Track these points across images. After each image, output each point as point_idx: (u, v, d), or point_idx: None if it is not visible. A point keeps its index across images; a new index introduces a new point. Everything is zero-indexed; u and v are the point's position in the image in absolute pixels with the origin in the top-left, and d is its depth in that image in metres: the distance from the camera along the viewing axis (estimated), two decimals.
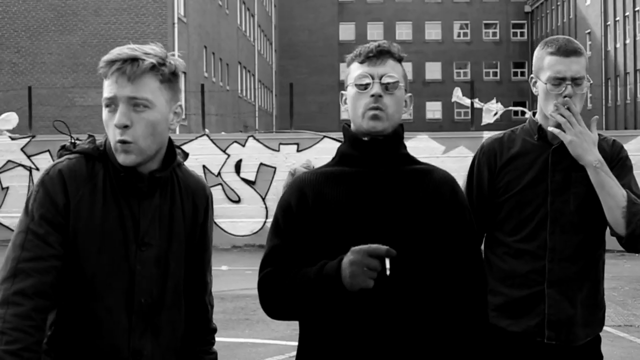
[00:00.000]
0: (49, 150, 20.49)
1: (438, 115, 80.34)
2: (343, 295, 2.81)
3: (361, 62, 3.03)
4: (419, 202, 2.96)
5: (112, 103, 2.76)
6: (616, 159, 3.74)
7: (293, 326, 10.63)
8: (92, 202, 2.78)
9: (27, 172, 20.93)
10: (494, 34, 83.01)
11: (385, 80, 2.99)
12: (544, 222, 3.69)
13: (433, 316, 2.97)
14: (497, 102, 19.33)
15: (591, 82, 3.81)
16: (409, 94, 3.13)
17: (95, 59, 36.26)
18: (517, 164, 3.77)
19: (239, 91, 52.56)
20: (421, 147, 19.57)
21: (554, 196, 3.69)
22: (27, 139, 21.14)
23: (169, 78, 2.82)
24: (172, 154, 2.93)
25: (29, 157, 20.93)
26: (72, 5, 35.35)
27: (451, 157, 19.74)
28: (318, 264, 2.87)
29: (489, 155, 3.86)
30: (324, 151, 19.68)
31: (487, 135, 19.79)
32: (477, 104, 19.12)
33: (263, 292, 2.99)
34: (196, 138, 20.46)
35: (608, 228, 3.69)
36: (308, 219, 2.96)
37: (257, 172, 20.42)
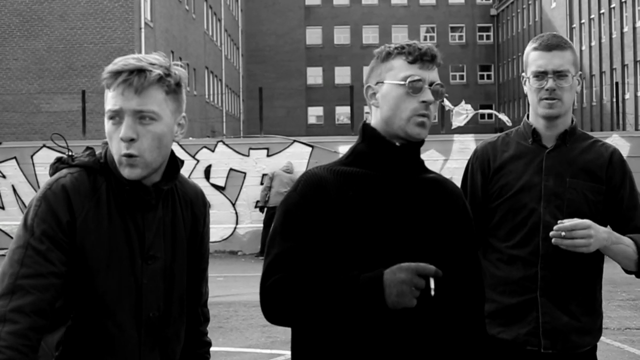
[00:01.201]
0: (15, 158, 20.23)
1: None
2: (382, 312, 2.67)
3: (411, 62, 2.84)
4: (440, 212, 2.90)
5: (117, 115, 2.68)
6: (620, 174, 3.68)
7: (267, 334, 10.55)
8: (98, 217, 2.70)
9: None
10: (460, 37, 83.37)
11: (435, 87, 2.85)
12: (537, 227, 3.62)
13: (446, 327, 2.89)
14: (466, 104, 19.33)
15: (581, 78, 3.75)
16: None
17: (61, 64, 36.35)
18: (511, 167, 3.71)
19: (206, 96, 52.36)
20: None
21: (547, 201, 3.62)
22: None
23: (174, 89, 2.75)
24: (175, 164, 2.86)
25: None
26: (37, 10, 34.99)
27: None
28: (348, 274, 2.69)
29: (482, 160, 3.79)
30: (294, 156, 19.60)
31: (458, 138, 19.87)
32: (447, 106, 19.09)
33: (273, 300, 2.75)
34: None
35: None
36: (329, 219, 2.76)
37: (227, 177, 20.30)
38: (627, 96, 48.73)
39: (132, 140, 2.66)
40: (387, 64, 2.89)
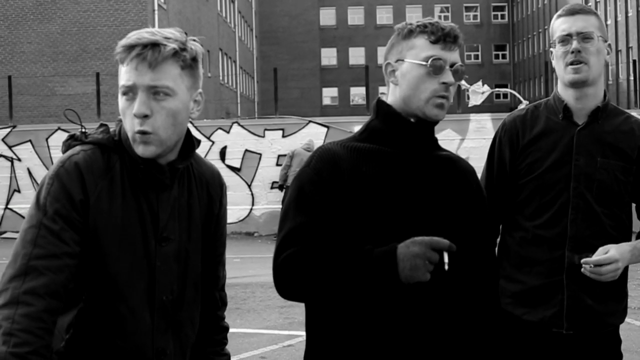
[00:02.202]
0: (30, 141, 20.24)
1: None
2: (395, 286, 2.65)
3: (434, 42, 2.79)
4: (453, 189, 2.88)
5: (131, 91, 2.58)
6: None
7: (285, 315, 10.54)
8: (111, 197, 2.60)
9: (9, 163, 20.61)
10: (475, 17, 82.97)
11: (457, 68, 2.81)
12: (566, 208, 3.53)
13: (459, 302, 2.88)
14: (483, 84, 19.20)
15: (609, 49, 3.64)
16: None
17: (74, 47, 36.31)
18: (541, 144, 3.60)
19: (221, 78, 52.28)
20: None
21: (577, 181, 3.52)
22: (8, 129, 20.81)
23: (190, 64, 2.65)
24: (190, 142, 2.76)
25: (10, 147, 20.61)
26: None
27: (438, 140, 19.56)
28: (361, 249, 2.68)
29: (511, 134, 3.68)
30: (309, 136, 19.51)
31: (474, 117, 19.74)
32: (464, 85, 18.96)
33: (287, 274, 2.73)
34: None
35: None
36: (342, 195, 2.74)
37: (243, 158, 20.24)
38: None
39: (145, 116, 2.56)
40: (409, 41, 2.84)
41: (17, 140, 20.55)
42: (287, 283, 2.75)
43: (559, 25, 3.57)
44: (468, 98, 19.32)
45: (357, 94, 77.23)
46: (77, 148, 2.65)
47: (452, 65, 2.79)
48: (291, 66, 73.49)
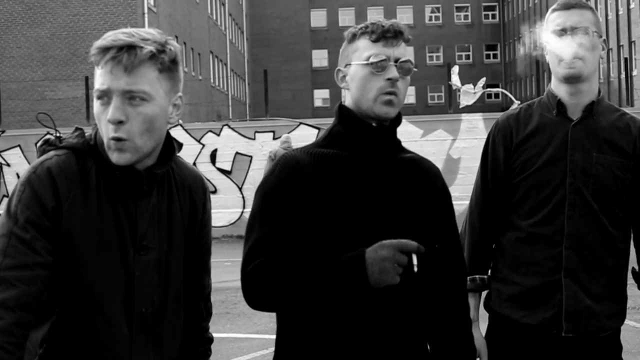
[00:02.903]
0: (19, 145, 20.13)
1: (412, 99, 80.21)
2: (365, 290, 2.64)
3: (375, 41, 2.80)
4: (417, 191, 2.88)
5: (105, 95, 2.46)
6: None
7: (275, 319, 10.36)
8: (86, 203, 2.49)
9: None
10: (466, 17, 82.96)
11: (401, 63, 2.81)
12: (562, 204, 3.42)
13: (421, 309, 2.90)
14: (475, 84, 19.12)
15: (604, 45, 3.53)
16: (415, 69, 2.95)
17: (64, 51, 36.20)
18: (535, 141, 3.49)
19: (212, 80, 52.21)
20: (399, 131, 19.15)
21: (573, 177, 3.41)
22: None
23: (169, 66, 2.52)
24: (170, 146, 2.65)
25: None
26: None
27: (429, 141, 19.58)
28: (328, 255, 2.67)
29: (505, 133, 3.57)
30: (300, 138, 19.43)
31: (465, 117, 19.68)
32: (455, 85, 18.89)
33: (255, 285, 2.71)
34: (170, 128, 19.97)
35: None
36: (306, 202, 2.73)
37: (233, 161, 20.17)
38: (634, 73, 48.44)
39: (120, 122, 2.44)
40: (353, 45, 2.87)
41: (6, 145, 20.46)
42: (256, 294, 2.73)
43: (553, 20, 3.48)
44: (459, 98, 19.26)
45: None
46: (51, 153, 2.53)
47: (396, 61, 2.80)
48: (282, 68, 73.40)
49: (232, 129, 20.45)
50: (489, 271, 3.67)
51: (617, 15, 54.53)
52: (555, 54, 3.45)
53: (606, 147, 3.44)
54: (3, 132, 20.79)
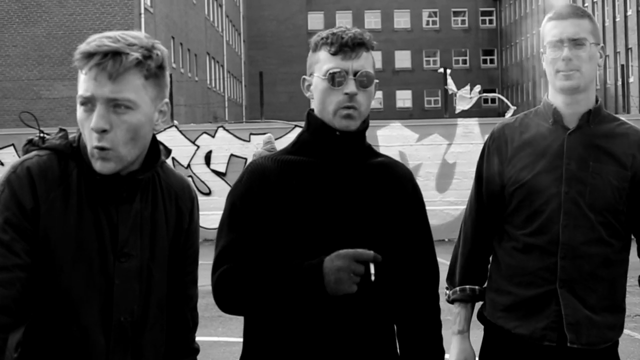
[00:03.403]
0: (13, 145, 20.04)
1: (408, 103, 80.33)
2: (323, 299, 2.66)
3: (333, 54, 2.78)
4: (385, 196, 2.88)
5: (89, 102, 2.38)
6: None
7: None
8: (65, 207, 2.41)
9: None
10: (463, 22, 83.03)
11: (360, 77, 2.79)
12: (557, 214, 3.33)
13: (391, 312, 2.95)
14: (471, 88, 19.11)
15: (602, 52, 3.44)
16: (377, 81, 2.90)
17: (60, 51, 36.13)
18: (530, 150, 3.41)
19: (208, 82, 52.16)
20: (394, 136, 19.41)
21: (569, 186, 3.33)
22: None
23: (155, 73, 2.43)
24: (156, 151, 2.56)
25: None
26: None
27: (425, 145, 19.52)
28: (292, 263, 2.70)
29: (499, 143, 3.49)
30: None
31: (461, 122, 19.62)
32: (451, 90, 18.86)
33: (222, 290, 2.77)
34: (164, 129, 19.96)
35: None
36: (272, 209, 2.77)
37: (228, 163, 20.08)
38: (631, 79, 48.45)
39: (104, 131, 2.36)
40: (315, 55, 2.86)
41: (0, 144, 20.35)
42: (224, 299, 2.78)
43: (549, 30, 3.38)
44: (456, 103, 19.23)
45: None
46: (33, 153, 2.47)
47: (355, 74, 2.77)
48: (279, 70, 73.35)
49: (227, 130, 20.36)
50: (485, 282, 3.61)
51: (614, 22, 54.56)
52: (551, 66, 3.38)
53: (603, 156, 3.36)
54: None
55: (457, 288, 3.59)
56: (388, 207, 2.86)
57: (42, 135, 2.53)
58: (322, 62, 2.80)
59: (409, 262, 2.95)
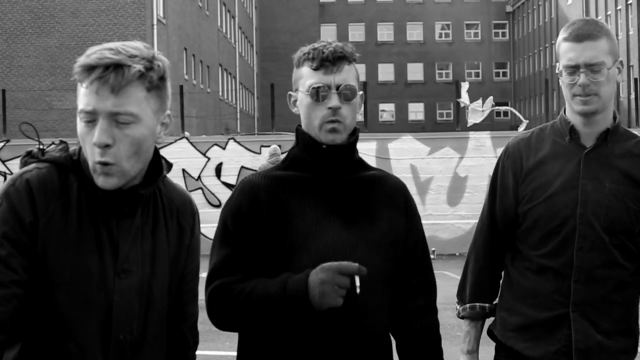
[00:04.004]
0: None
1: (420, 116, 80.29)
2: (309, 312, 2.68)
3: (315, 69, 2.82)
4: (376, 209, 2.89)
5: (90, 116, 2.33)
6: None
7: None
8: (65, 220, 2.36)
9: (1, 178, 20.39)
10: (476, 35, 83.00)
11: (343, 90, 2.81)
12: (572, 236, 3.26)
13: (385, 325, 2.94)
14: (483, 101, 18.99)
15: (620, 67, 3.34)
16: (360, 92, 2.93)
17: (73, 62, 35.53)
18: (546, 169, 3.34)
19: (220, 94, 52.19)
20: (406, 148, 19.32)
21: (584, 207, 3.25)
22: (2, 144, 20.60)
23: (157, 85, 2.40)
24: (158, 165, 2.52)
25: (3, 162, 20.40)
26: (49, 7, 34.84)
27: (436, 159, 19.41)
28: (279, 277, 2.71)
29: (514, 159, 3.43)
30: None
31: (473, 135, 19.51)
32: (463, 102, 18.76)
33: (215, 306, 2.80)
34: (175, 141, 19.93)
35: None
36: (262, 225, 2.79)
37: (239, 175, 20.00)
38: None
39: (107, 146, 2.32)
40: (299, 71, 2.91)
41: (11, 154, 20.31)
42: (216, 315, 2.80)
43: (565, 52, 3.27)
44: (468, 116, 19.13)
45: None
46: (32, 165, 2.42)
47: (338, 88, 2.80)
48: (291, 82, 73.31)
49: (238, 142, 20.29)
50: (497, 299, 3.56)
51: (628, 35, 54.41)
52: (568, 89, 3.29)
53: (620, 177, 3.28)
54: (8, 141, 20.66)
55: (467, 305, 3.55)
56: (380, 220, 2.86)
57: (41, 147, 2.48)
58: (305, 78, 2.84)
59: (405, 275, 2.95)
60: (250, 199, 2.80)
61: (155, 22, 35.67)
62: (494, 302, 3.55)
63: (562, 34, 3.31)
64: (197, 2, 45.98)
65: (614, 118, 3.37)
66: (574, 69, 3.24)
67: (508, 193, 3.43)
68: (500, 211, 3.46)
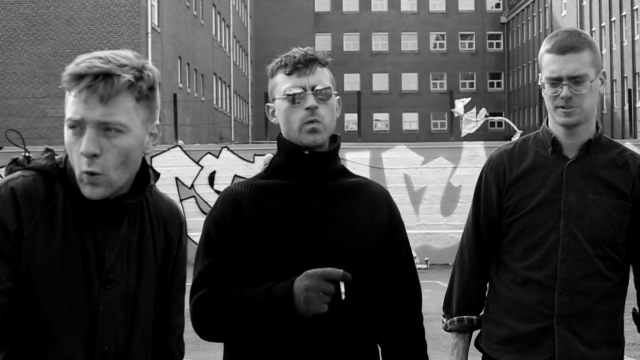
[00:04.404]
0: None
1: (415, 126, 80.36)
2: (295, 320, 2.68)
3: (289, 74, 2.88)
4: (358, 215, 2.89)
5: (78, 125, 2.30)
6: None
7: None
8: (51, 230, 2.33)
9: None
10: (470, 45, 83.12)
11: (318, 90, 2.86)
12: (555, 248, 3.27)
13: (371, 331, 2.93)
14: (477, 111, 18.99)
15: (603, 78, 3.34)
16: (338, 97, 2.98)
17: None
18: (529, 180, 3.35)
19: (214, 102, 52.16)
20: (400, 158, 19.33)
21: (567, 219, 3.27)
22: None
23: (147, 95, 2.36)
24: (145, 175, 2.48)
25: None
26: (43, 14, 34.79)
27: (430, 168, 19.43)
28: (264, 285, 2.72)
29: (497, 171, 3.44)
30: None
31: (467, 145, 19.53)
32: (457, 112, 18.76)
33: (199, 316, 2.78)
34: (168, 149, 19.93)
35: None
36: (245, 234, 2.80)
37: (232, 184, 20.00)
38: (638, 104, 48.35)
39: (94, 155, 2.28)
40: (274, 80, 2.95)
41: (3, 161, 20.20)
42: (201, 324, 2.78)
43: (548, 64, 3.28)
44: (462, 126, 19.13)
45: (351, 120, 76.73)
46: (17, 173, 2.37)
47: (313, 89, 2.85)
48: None
49: (232, 151, 20.28)
50: (482, 311, 3.55)
51: (622, 46, 54.56)
52: (550, 101, 3.29)
53: (603, 187, 3.29)
54: (1, 148, 20.61)
55: (455, 318, 3.54)
56: (363, 226, 2.87)
57: (27, 155, 2.44)
58: (280, 84, 2.88)
59: (390, 282, 2.96)
60: (233, 208, 2.81)
61: (149, 30, 35.64)
62: (481, 314, 3.55)
63: (545, 46, 3.31)
64: (192, 10, 45.97)
65: (597, 128, 3.38)
66: (556, 81, 3.23)
67: (492, 205, 3.43)
68: (485, 223, 3.47)
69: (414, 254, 16.93)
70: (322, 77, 2.87)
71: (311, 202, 2.84)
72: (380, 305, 2.94)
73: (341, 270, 2.62)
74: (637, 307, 3.44)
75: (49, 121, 33.64)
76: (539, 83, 3.37)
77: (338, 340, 2.78)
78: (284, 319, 2.66)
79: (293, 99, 2.83)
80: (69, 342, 2.33)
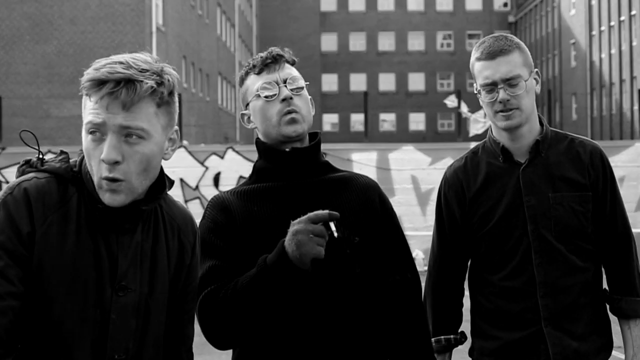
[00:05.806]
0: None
1: (421, 126, 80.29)
2: (295, 277, 2.65)
3: (258, 73, 2.95)
4: (350, 209, 2.91)
5: (98, 131, 2.28)
6: (602, 176, 3.41)
7: None
8: (63, 233, 2.30)
9: None
10: None
11: (290, 82, 2.93)
12: (528, 253, 3.33)
13: (373, 322, 2.93)
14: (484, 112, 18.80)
15: (537, 78, 3.40)
16: (309, 97, 3.04)
17: (71, 69, 36.04)
18: (488, 193, 3.41)
19: (219, 102, 52.13)
20: (407, 159, 19.17)
21: (534, 223, 3.33)
22: None
23: (167, 100, 2.37)
24: (161, 182, 2.47)
25: None
26: (47, 14, 34.75)
27: (438, 169, 19.19)
28: (256, 264, 2.72)
29: (456, 189, 3.49)
30: None
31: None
32: (465, 114, 18.58)
33: (206, 314, 2.76)
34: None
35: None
36: (237, 238, 2.83)
37: (237, 185, 19.83)
38: None
39: (116, 162, 2.25)
40: (244, 85, 3.01)
41: (6, 162, 20.12)
42: (209, 323, 2.75)
43: (480, 71, 3.35)
44: (469, 126, 18.94)
45: (358, 120, 77.08)
46: (31, 175, 2.35)
47: (285, 81, 2.92)
48: None
49: (237, 152, 20.13)
50: (472, 327, 3.59)
51: (631, 46, 54.34)
52: (489, 108, 3.36)
53: (561, 183, 3.37)
54: (4, 149, 20.49)
55: (433, 339, 3.54)
56: (353, 220, 2.88)
57: (40, 156, 2.42)
58: (252, 85, 2.95)
59: (387, 270, 2.98)
60: (224, 213, 2.84)
61: (154, 29, 35.56)
62: (459, 331, 3.60)
63: (475, 54, 3.39)
64: (197, 10, 45.93)
65: (541, 125, 3.45)
66: (491, 87, 3.31)
67: (456, 223, 3.48)
68: (452, 241, 3.51)
69: (422, 255, 16.79)
70: (292, 72, 2.96)
71: (300, 200, 2.85)
72: (379, 298, 2.95)
73: (327, 211, 2.63)
74: (607, 288, 3.50)
75: (53, 121, 33.62)
76: (475, 92, 3.42)
77: (345, 340, 2.81)
78: (284, 279, 2.64)
79: (267, 94, 2.89)
80: (78, 349, 2.30)
